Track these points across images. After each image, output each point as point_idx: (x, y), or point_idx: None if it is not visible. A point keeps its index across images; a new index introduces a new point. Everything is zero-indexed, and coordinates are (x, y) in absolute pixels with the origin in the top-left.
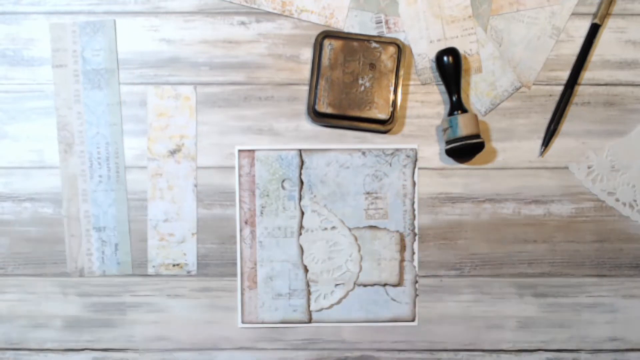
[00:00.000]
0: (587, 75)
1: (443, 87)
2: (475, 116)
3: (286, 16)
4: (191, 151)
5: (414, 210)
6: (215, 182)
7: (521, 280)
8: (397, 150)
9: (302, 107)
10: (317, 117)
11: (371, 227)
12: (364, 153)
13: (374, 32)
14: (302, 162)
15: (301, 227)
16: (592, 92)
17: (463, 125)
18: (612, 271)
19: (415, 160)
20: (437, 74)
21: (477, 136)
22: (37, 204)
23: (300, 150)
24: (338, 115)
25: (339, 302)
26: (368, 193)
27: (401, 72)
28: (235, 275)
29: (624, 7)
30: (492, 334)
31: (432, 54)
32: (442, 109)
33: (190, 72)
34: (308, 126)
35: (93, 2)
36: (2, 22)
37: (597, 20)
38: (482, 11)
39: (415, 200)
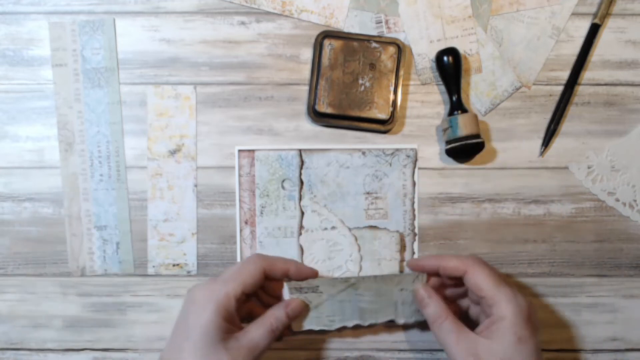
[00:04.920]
0: (587, 75)
1: (443, 87)
2: (475, 116)
3: (286, 16)
4: (191, 151)
5: (414, 210)
6: (215, 182)
7: (521, 280)
8: (397, 150)
9: (302, 107)
10: (317, 117)
11: (371, 227)
12: (364, 153)
13: (374, 32)
14: (302, 162)
15: (301, 227)
16: (592, 92)
17: (463, 125)
18: (612, 271)
19: (415, 160)
20: (437, 74)
21: (477, 136)
22: (37, 204)
23: (300, 150)
24: (338, 115)
25: None
26: (368, 193)
27: (401, 72)
28: None
29: (624, 7)
30: None
31: (432, 54)
32: (442, 109)
33: (190, 72)
34: (308, 126)
35: (93, 2)
36: (2, 22)
37: (597, 20)
38: (482, 11)
39: (415, 200)
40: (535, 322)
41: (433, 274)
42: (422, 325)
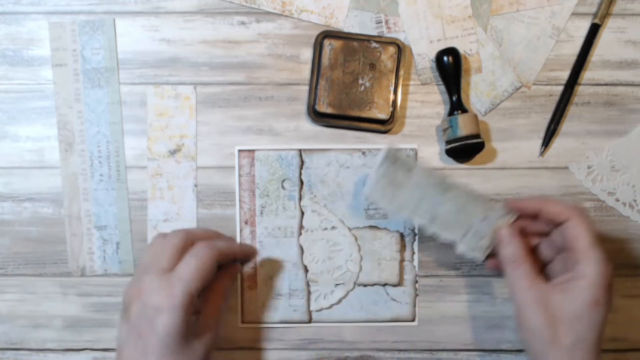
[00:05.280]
0: (587, 75)
1: (443, 87)
2: (475, 116)
3: (286, 16)
4: (191, 151)
5: None
6: (215, 182)
7: None
8: (397, 150)
9: (302, 107)
10: (317, 117)
11: (371, 227)
12: (364, 153)
13: (374, 32)
14: (302, 162)
15: (301, 227)
16: (592, 92)
17: (463, 125)
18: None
19: (415, 160)
20: (437, 74)
21: (477, 136)
22: (37, 204)
23: (300, 150)
24: (338, 115)
25: (338, 302)
26: None
27: (401, 72)
28: None
29: (624, 7)
30: (493, 334)
31: (432, 54)
32: (442, 109)
33: (190, 72)
34: (308, 126)
35: (93, 2)
36: (2, 22)
37: (597, 20)
38: (482, 11)
39: None
40: (612, 294)
41: (529, 216)
42: (421, 324)
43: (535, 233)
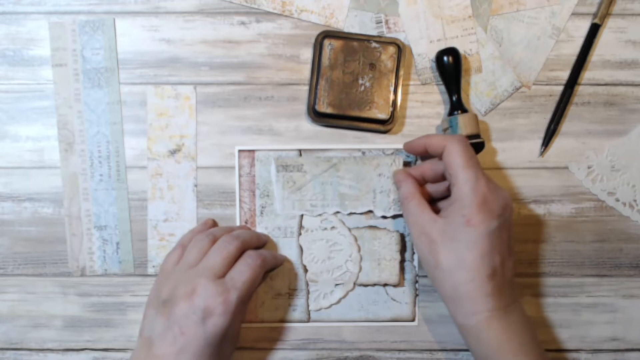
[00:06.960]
0: (587, 75)
1: (443, 87)
2: (475, 116)
3: (286, 16)
4: (191, 151)
5: None
6: (215, 182)
7: (521, 280)
8: (397, 150)
9: (302, 107)
10: (317, 117)
11: (371, 227)
12: (363, 153)
13: (374, 32)
14: None
15: (301, 227)
16: (592, 92)
17: (463, 125)
18: (612, 271)
19: (416, 160)
20: (437, 74)
21: (477, 136)
22: (37, 204)
23: (300, 150)
24: (338, 115)
25: (338, 302)
26: None
27: (401, 72)
28: None
29: (624, 7)
30: None
31: (432, 54)
32: (442, 109)
33: (190, 72)
34: (308, 126)
35: (93, 2)
36: (2, 22)
37: (597, 20)
38: (482, 11)
39: None
40: (492, 210)
41: (422, 153)
42: (421, 324)
43: (439, 177)
